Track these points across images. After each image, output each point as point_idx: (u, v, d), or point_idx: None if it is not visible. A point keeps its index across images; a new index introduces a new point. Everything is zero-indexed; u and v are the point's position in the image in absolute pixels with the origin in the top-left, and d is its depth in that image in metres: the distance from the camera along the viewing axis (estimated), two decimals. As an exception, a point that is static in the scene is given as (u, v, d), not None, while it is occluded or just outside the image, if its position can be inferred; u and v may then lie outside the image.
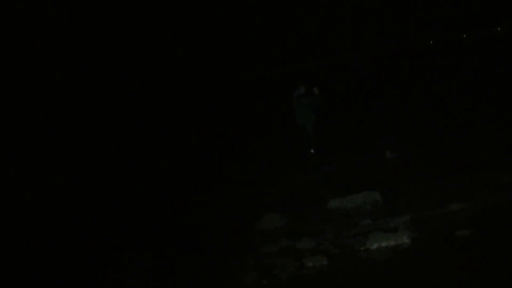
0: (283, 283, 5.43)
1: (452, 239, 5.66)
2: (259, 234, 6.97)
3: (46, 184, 12.17)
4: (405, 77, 28.12)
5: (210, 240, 7.10)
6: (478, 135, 10.56)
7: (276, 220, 7.26)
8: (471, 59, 29.95)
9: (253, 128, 18.98)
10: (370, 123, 15.03)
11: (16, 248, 7.90)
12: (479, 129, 11.09)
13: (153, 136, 19.10)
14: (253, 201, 8.75)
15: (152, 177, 12.30)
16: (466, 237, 5.63)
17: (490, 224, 5.90)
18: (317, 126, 11.92)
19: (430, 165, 8.93)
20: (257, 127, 19.11)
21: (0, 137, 16.68)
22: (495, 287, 4.60)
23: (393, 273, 5.20)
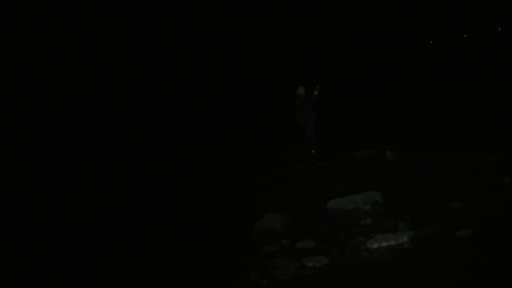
0: (283, 283, 5.42)
1: (452, 239, 5.66)
2: (259, 234, 6.97)
3: (45, 183, 12.16)
4: (405, 77, 28.11)
5: (210, 240, 7.10)
6: (478, 135, 10.56)
7: (276, 220, 7.26)
8: (471, 59, 29.93)
9: (254, 128, 18.98)
10: (370, 123, 15.02)
11: (15, 248, 7.90)
12: (479, 129, 11.09)
13: (153, 135, 19.10)
14: (253, 201, 8.75)
15: (151, 176, 12.29)
16: (466, 237, 5.63)
17: (490, 224, 5.89)
18: (317, 126, 11.93)
19: (430, 165, 8.93)
20: (258, 127, 19.10)
21: (0, 137, 16.70)
22: (495, 287, 4.60)
23: (393, 273, 5.20)
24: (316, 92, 11.75)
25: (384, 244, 5.88)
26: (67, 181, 12.35)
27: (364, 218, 6.87)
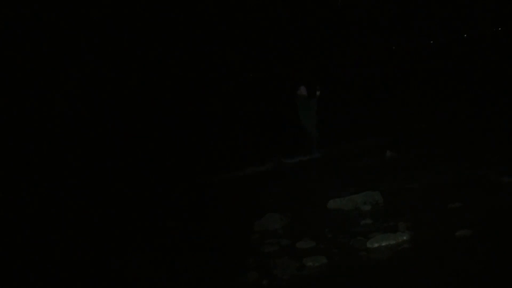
0: (283, 283, 5.43)
1: (452, 239, 5.66)
2: (259, 234, 6.97)
3: (45, 182, 12.17)
4: (405, 77, 28.12)
5: (210, 240, 7.10)
6: (478, 134, 10.56)
7: (276, 220, 7.26)
8: (471, 59, 29.93)
9: (254, 127, 18.98)
10: (370, 123, 15.02)
11: (15, 248, 7.90)
12: (479, 129, 11.09)
13: (153, 134, 19.11)
14: (253, 201, 8.75)
15: (151, 176, 12.30)
16: (466, 237, 5.63)
17: (490, 224, 5.89)
18: (319, 126, 11.87)
19: (430, 164, 8.93)
20: (258, 126, 19.10)
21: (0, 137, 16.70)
22: (495, 287, 4.60)
23: (393, 273, 5.20)
24: (318, 93, 11.67)
25: (384, 244, 5.88)
26: (67, 181, 12.35)
27: (364, 218, 6.87)
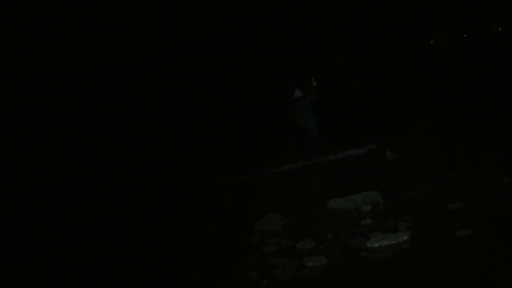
0: (283, 283, 5.43)
1: (452, 239, 5.66)
2: (259, 234, 6.97)
3: (46, 181, 12.17)
4: (405, 77, 28.10)
5: (210, 240, 7.11)
6: (478, 135, 10.56)
7: (276, 221, 7.26)
8: (471, 59, 29.92)
9: (254, 128, 18.98)
10: (370, 123, 15.02)
11: (15, 248, 7.91)
12: (479, 129, 11.09)
13: (153, 133, 19.10)
14: (253, 201, 8.76)
15: (151, 176, 12.30)
16: (466, 237, 5.63)
17: (490, 224, 5.89)
18: (319, 126, 11.81)
19: (430, 165, 8.93)
20: (258, 127, 19.10)
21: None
22: (495, 287, 4.60)
23: (393, 273, 5.20)
24: (314, 84, 11.28)
25: (384, 244, 5.89)
26: (68, 180, 12.35)
27: (364, 218, 6.88)
